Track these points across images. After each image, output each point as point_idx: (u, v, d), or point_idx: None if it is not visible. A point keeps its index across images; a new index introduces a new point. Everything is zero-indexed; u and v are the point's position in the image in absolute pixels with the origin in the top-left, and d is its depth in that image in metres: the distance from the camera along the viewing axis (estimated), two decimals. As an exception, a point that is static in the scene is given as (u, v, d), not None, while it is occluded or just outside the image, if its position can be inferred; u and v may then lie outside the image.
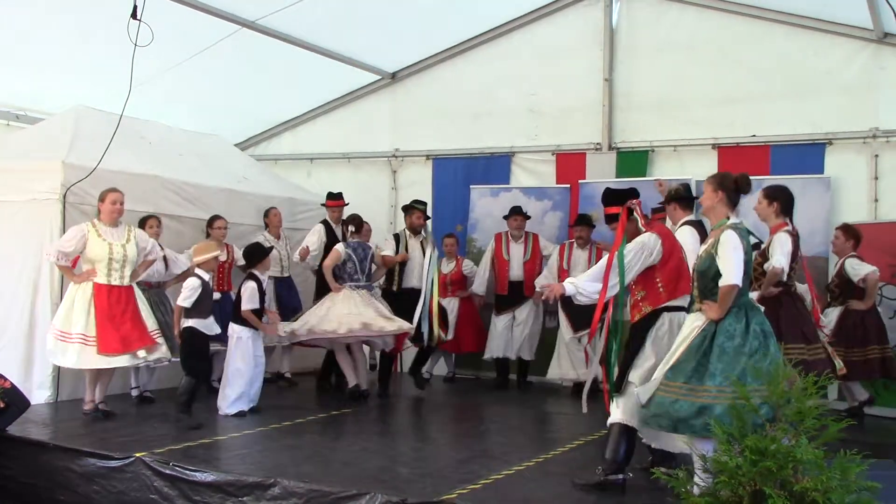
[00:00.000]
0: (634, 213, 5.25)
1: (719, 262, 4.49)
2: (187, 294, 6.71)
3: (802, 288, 6.55)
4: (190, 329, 6.74)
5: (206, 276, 6.84)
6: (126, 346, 6.68)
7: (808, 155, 8.54)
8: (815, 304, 6.50)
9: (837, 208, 8.21)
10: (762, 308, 4.72)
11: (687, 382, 4.42)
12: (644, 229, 5.18)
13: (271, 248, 7.84)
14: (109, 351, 6.60)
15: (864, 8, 7.90)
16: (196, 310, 6.73)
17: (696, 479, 4.01)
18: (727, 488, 3.51)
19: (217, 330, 6.96)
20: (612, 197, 5.51)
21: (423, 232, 8.70)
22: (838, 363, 6.00)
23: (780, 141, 8.76)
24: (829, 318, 7.32)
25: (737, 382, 4.05)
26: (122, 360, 6.71)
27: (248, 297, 7.23)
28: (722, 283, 4.46)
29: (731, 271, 4.45)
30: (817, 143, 8.60)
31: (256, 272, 7.37)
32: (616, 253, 5.00)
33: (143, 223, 7.48)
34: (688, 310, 4.80)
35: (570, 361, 8.81)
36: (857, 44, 8.57)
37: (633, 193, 5.42)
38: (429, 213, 8.91)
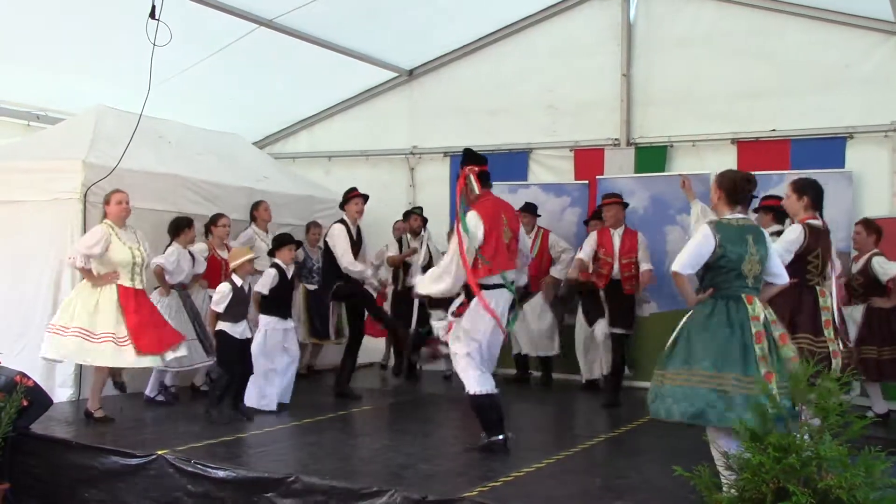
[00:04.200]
0: (470, 180, 5.82)
1: None
2: (217, 299, 6.77)
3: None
4: (221, 332, 6.80)
5: (239, 282, 6.86)
6: (161, 345, 6.73)
7: (828, 149, 8.46)
8: (838, 301, 6.32)
9: (859, 203, 8.13)
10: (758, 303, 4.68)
11: (662, 369, 4.64)
12: (478, 193, 5.79)
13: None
14: (150, 350, 6.62)
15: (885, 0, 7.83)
16: (228, 314, 6.77)
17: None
18: (750, 486, 3.49)
19: (249, 335, 6.97)
20: (467, 158, 6.06)
21: (422, 233, 9.37)
22: (836, 363, 5.82)
23: (800, 135, 8.69)
24: (853, 316, 7.19)
25: (760, 380, 4.12)
26: (155, 360, 6.72)
27: (261, 281, 7.32)
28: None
29: (678, 258, 4.68)
30: (838, 137, 8.53)
31: (278, 261, 7.44)
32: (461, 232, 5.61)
33: (188, 224, 7.62)
34: None
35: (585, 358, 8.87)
36: (877, 36, 8.48)
37: (478, 160, 6.01)
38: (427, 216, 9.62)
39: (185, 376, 8.11)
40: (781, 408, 3.73)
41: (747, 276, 4.61)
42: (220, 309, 6.75)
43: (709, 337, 4.49)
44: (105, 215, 6.79)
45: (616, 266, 8.19)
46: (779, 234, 7.52)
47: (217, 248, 8.11)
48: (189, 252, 7.67)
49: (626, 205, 8.45)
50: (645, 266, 8.19)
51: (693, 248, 4.64)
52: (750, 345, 4.43)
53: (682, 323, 4.71)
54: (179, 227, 7.58)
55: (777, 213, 7.65)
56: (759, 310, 4.55)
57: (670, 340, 4.69)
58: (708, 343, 4.47)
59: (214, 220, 8.17)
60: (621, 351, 8.18)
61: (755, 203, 6.80)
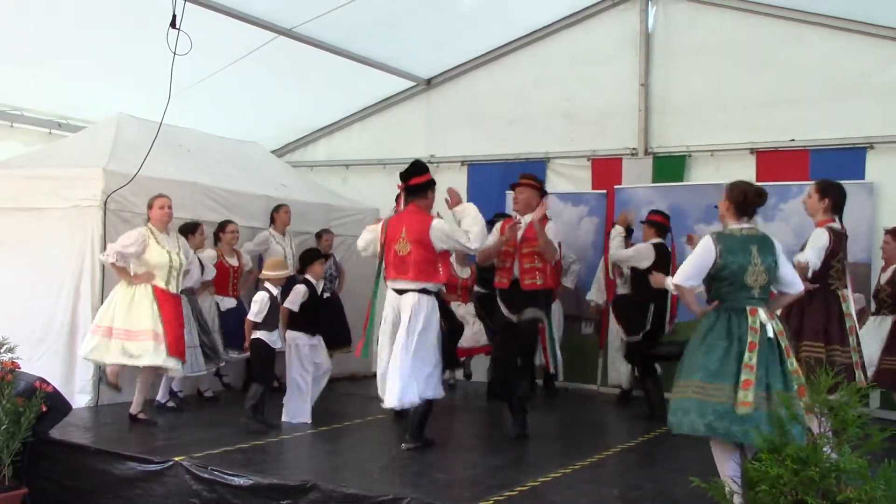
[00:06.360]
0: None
1: None
2: (257, 309, 6.79)
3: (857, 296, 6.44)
4: (257, 340, 6.84)
5: (275, 291, 6.89)
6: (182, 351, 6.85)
7: (848, 159, 8.37)
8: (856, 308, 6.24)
9: (880, 214, 8.04)
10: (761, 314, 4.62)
11: (678, 380, 4.66)
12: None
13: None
14: (178, 354, 6.71)
15: (906, 9, 7.78)
16: (264, 322, 6.82)
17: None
18: (768, 497, 3.47)
19: (280, 345, 7.00)
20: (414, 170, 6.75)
21: None
22: (859, 374, 5.66)
23: (819, 145, 8.60)
24: (880, 327, 7.12)
25: (783, 395, 4.11)
26: (178, 364, 6.77)
27: (291, 297, 7.13)
28: None
29: (679, 271, 4.73)
30: (858, 148, 8.43)
31: (308, 276, 7.34)
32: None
33: (193, 229, 7.66)
34: None
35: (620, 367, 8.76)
36: (897, 46, 8.42)
37: (405, 176, 6.71)
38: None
39: (192, 383, 8.15)
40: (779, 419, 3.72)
41: (752, 286, 4.58)
42: (260, 319, 6.80)
43: (706, 350, 4.51)
44: (148, 219, 6.94)
45: (517, 260, 6.68)
46: (659, 245, 7.74)
47: (226, 254, 8.17)
48: (198, 258, 7.69)
49: (544, 192, 7.13)
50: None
51: (693, 260, 4.68)
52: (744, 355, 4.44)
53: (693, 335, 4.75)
54: (184, 233, 7.53)
55: (659, 227, 7.93)
56: (761, 321, 4.51)
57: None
58: (706, 355, 4.49)
59: (223, 226, 8.22)
60: (530, 372, 7.03)
61: None
